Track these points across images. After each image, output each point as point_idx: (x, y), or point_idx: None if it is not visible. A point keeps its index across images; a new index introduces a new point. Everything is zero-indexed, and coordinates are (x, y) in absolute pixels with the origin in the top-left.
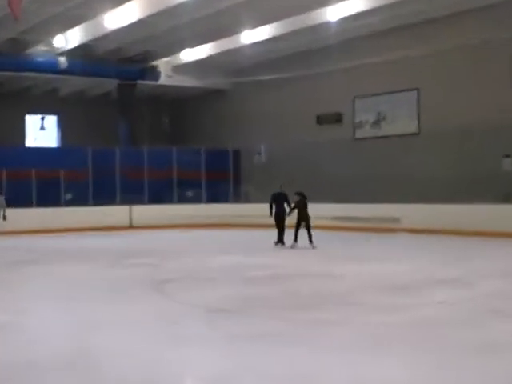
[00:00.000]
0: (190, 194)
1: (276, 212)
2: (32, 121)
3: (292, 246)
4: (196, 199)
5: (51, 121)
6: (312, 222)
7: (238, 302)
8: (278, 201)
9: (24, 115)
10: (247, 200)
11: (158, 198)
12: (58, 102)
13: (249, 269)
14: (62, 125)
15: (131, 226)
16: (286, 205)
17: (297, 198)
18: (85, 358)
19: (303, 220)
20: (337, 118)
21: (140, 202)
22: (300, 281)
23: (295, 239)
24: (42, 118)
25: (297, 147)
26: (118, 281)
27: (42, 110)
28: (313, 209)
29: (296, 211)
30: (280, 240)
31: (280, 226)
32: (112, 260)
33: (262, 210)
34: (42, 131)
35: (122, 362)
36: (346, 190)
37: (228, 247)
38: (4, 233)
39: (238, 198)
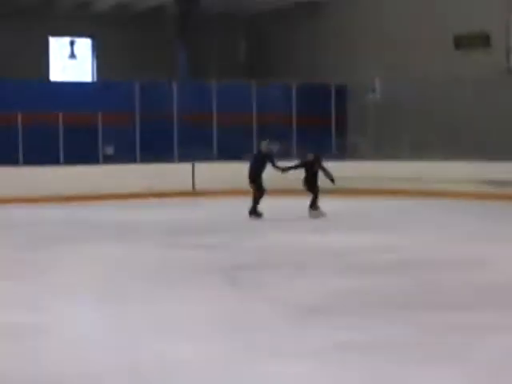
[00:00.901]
0: (275, 146)
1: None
2: (58, 46)
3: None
4: (284, 154)
5: (84, 46)
6: (444, 186)
7: (342, 299)
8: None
9: (47, 38)
10: (356, 156)
11: (231, 152)
12: (92, 19)
13: (356, 252)
14: (98, 51)
15: (194, 192)
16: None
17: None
18: (142, 372)
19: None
20: (483, 41)
21: (206, 157)
22: (433, 269)
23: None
24: (72, 43)
25: (426, 81)
26: (175, 267)
27: (72, 30)
28: (448, 169)
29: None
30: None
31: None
32: (167, 238)
33: (376, 170)
34: (71, 60)
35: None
36: (496, 144)
37: (327, 222)
38: (22, 199)
39: (342, 152)
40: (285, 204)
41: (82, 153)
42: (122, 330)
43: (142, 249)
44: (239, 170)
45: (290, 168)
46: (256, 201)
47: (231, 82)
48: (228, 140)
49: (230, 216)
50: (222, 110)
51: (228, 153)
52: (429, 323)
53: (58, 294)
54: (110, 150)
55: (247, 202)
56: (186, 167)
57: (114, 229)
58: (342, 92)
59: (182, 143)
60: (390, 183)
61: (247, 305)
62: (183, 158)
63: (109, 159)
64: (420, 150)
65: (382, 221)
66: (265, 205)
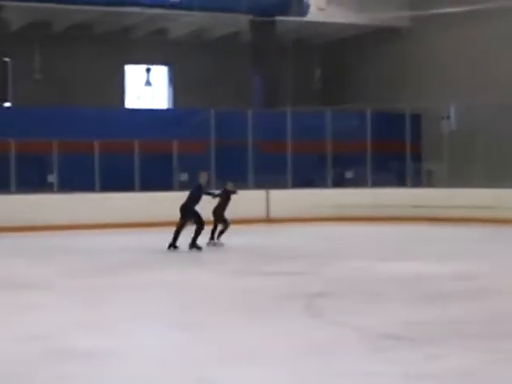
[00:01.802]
0: (350, 174)
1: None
2: (134, 73)
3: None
4: (359, 182)
5: (160, 73)
6: None
7: (420, 327)
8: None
9: (123, 66)
10: (431, 183)
11: (305, 179)
12: (168, 47)
13: (434, 280)
14: (173, 78)
15: (268, 219)
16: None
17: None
18: None
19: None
20: None
21: (281, 185)
22: (508, 298)
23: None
24: (148, 70)
25: (500, 109)
26: (253, 294)
27: (148, 58)
28: None
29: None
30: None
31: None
32: (244, 265)
33: (450, 198)
34: (147, 87)
35: None
36: None
37: (403, 250)
38: (98, 226)
39: (417, 180)
40: (348, 231)
41: (157, 180)
42: (195, 357)
43: (220, 276)
44: (313, 197)
45: (215, 195)
46: (197, 233)
47: (306, 109)
48: (302, 167)
49: (306, 242)
50: (296, 136)
51: (302, 180)
52: (503, 352)
53: (134, 319)
54: (184, 176)
55: (324, 228)
56: (260, 194)
57: (190, 255)
58: (416, 119)
59: (256, 170)
60: (464, 211)
61: (325, 332)
62: (257, 185)
63: (183, 185)
64: (495, 177)
65: (457, 248)
66: (335, 231)
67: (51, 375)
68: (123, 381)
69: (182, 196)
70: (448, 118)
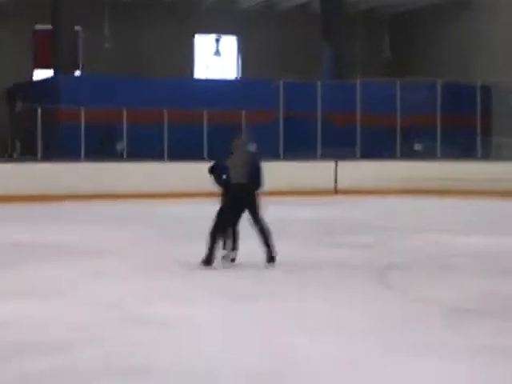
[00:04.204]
0: (419, 146)
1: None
2: (203, 43)
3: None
4: (428, 154)
5: (229, 43)
6: None
7: (493, 302)
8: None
9: (192, 35)
10: (500, 157)
11: (374, 151)
12: (238, 17)
13: (508, 255)
14: (243, 49)
15: (336, 191)
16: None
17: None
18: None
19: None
20: None
21: (350, 156)
22: None
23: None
24: (217, 40)
25: None
26: (322, 267)
27: (217, 28)
28: None
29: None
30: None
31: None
32: (312, 238)
33: None
34: (216, 57)
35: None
36: None
37: (475, 223)
38: (165, 195)
39: (487, 153)
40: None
41: (225, 150)
42: (267, 328)
43: (294, 248)
44: (383, 169)
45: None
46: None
47: (375, 80)
48: (372, 139)
49: (375, 214)
50: (366, 108)
51: (371, 152)
52: None
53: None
54: (253, 147)
55: (394, 200)
56: (328, 166)
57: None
58: (487, 92)
59: (324, 141)
60: None
61: (397, 304)
62: (325, 156)
63: None
64: None
65: None
66: (404, 204)
67: (127, 341)
68: (196, 347)
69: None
70: None
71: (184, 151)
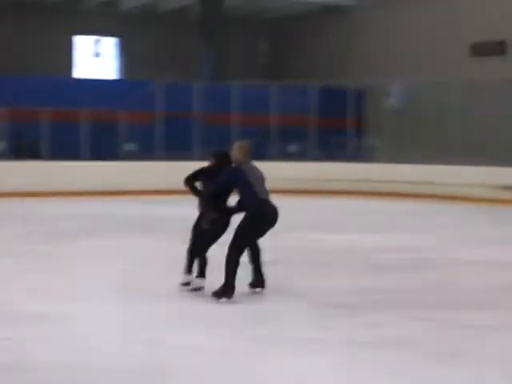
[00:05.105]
0: (293, 148)
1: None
2: (83, 44)
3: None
4: (302, 155)
5: (109, 45)
6: (461, 191)
7: (361, 296)
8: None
9: (72, 37)
10: (372, 158)
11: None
12: (118, 19)
13: (375, 252)
14: (123, 50)
15: None
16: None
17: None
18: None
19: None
20: (499, 48)
21: None
22: (451, 269)
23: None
24: (97, 41)
25: (442, 87)
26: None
27: (97, 29)
28: (461, 173)
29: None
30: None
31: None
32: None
33: (392, 173)
34: (96, 58)
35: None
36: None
37: (346, 222)
38: (41, 194)
39: (359, 154)
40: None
41: (103, 149)
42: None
43: (165, 241)
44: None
45: None
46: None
47: (251, 83)
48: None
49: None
50: (241, 110)
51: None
52: (441, 321)
53: (94, 285)
54: (131, 146)
55: None
56: (203, 165)
57: (140, 222)
58: (359, 95)
59: (201, 142)
60: (404, 186)
61: (269, 299)
62: (202, 157)
63: (129, 155)
64: (434, 154)
65: (395, 222)
66: (278, 203)
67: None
68: (75, 343)
69: (128, 166)
70: (389, 95)
71: (64, 151)
